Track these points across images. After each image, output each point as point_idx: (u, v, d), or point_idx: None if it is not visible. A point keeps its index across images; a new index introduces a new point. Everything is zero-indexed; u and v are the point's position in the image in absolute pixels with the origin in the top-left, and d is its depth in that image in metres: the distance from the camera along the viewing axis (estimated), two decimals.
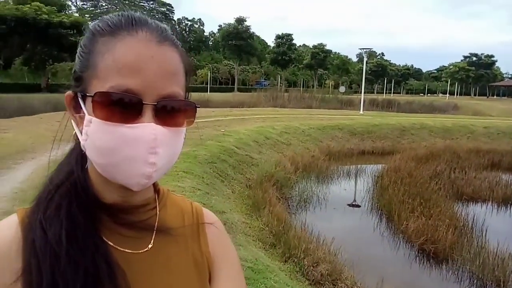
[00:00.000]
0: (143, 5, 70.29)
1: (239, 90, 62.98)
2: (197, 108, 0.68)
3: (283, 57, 68.95)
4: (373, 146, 15.68)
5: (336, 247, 5.84)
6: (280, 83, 68.38)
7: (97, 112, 0.60)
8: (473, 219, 7.15)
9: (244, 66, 75.67)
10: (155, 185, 0.76)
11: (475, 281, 5.45)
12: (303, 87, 77.64)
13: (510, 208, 8.58)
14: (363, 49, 21.44)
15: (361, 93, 25.83)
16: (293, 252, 5.31)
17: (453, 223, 6.61)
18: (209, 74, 64.39)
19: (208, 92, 53.40)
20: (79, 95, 0.63)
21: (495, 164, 13.02)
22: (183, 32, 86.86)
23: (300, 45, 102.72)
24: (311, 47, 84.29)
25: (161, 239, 0.71)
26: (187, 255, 0.74)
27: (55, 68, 45.59)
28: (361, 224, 7.57)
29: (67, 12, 39.98)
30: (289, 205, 8.36)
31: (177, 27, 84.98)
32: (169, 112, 0.63)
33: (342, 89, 44.50)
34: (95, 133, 0.61)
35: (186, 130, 0.68)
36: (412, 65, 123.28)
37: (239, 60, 68.34)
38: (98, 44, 0.63)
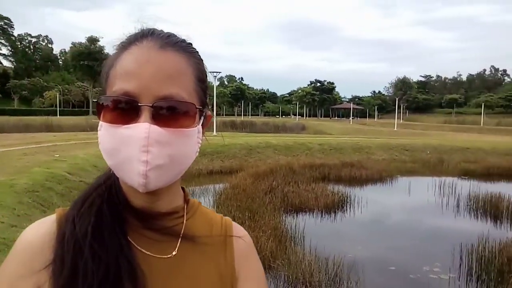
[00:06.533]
0: None
1: (95, 113, 59.22)
2: (200, 109, 0.70)
3: None
4: (221, 166, 16.16)
5: None
6: None
7: (102, 116, 0.65)
8: (295, 228, 7.82)
9: (99, 88, 71.49)
10: (185, 196, 0.78)
11: (288, 285, 5.90)
12: None
13: (329, 215, 9.66)
14: (212, 72, 22.27)
15: (213, 115, 26.64)
16: None
17: (274, 233, 7.12)
18: (57, 96, 59.06)
19: (58, 116, 48.81)
20: (96, 104, 0.67)
21: (325, 176, 14.64)
22: (26, 49, 78.28)
23: None
24: None
25: (186, 247, 0.73)
26: (211, 266, 0.74)
27: None
28: None
29: None
30: None
31: (19, 43, 76.44)
32: (166, 113, 0.63)
33: None
34: (103, 136, 0.65)
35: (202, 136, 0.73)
36: (268, 89, 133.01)
37: (93, 81, 64.35)
38: (112, 58, 0.68)
